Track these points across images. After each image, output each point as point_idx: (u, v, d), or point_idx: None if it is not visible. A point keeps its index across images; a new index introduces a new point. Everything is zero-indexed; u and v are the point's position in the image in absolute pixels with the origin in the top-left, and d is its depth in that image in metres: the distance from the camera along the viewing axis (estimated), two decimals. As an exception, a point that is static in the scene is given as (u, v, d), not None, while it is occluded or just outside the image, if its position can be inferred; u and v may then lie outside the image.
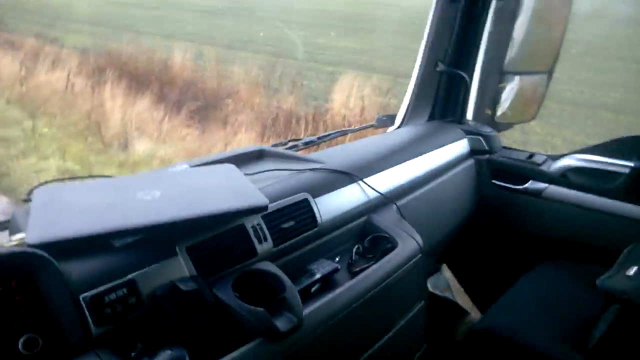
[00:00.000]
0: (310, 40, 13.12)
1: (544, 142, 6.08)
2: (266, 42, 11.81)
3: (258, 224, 1.04)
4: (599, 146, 1.70)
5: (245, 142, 5.53)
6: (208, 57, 8.49)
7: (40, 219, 0.86)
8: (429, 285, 1.69)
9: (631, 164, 1.57)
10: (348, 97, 6.52)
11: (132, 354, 0.78)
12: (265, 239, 1.05)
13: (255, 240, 1.02)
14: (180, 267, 0.90)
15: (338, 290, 1.06)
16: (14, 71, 7.51)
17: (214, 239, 0.97)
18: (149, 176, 1.12)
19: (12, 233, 0.95)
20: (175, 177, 1.11)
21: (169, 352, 0.81)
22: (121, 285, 0.82)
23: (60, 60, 8.29)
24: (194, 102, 7.03)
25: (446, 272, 1.76)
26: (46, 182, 1.04)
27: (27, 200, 0.96)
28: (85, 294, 0.78)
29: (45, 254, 0.77)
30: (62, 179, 1.24)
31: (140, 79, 7.75)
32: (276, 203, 1.11)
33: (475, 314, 1.70)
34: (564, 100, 7.57)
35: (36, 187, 0.99)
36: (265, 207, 1.00)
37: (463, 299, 1.73)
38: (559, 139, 6.30)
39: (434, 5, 1.71)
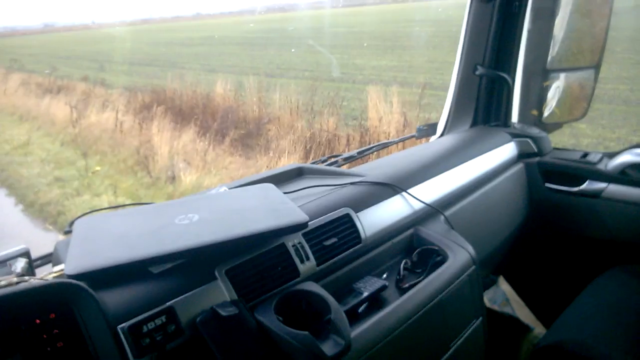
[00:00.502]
0: (347, 61, 13.23)
1: (597, 145, 5.80)
2: (305, 67, 11.98)
3: (299, 243, 1.00)
4: None
5: (288, 166, 5.53)
6: (249, 86, 8.67)
7: (80, 249, 0.85)
8: (486, 301, 1.58)
9: None
10: (390, 113, 6.46)
11: None
12: (308, 258, 1.00)
13: (297, 260, 0.98)
14: (220, 292, 0.87)
15: (387, 309, 1.00)
16: (67, 114, 7.91)
17: (254, 261, 0.94)
18: (188, 200, 1.10)
19: (54, 265, 0.95)
20: (213, 200, 1.09)
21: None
22: (160, 314, 0.79)
23: (109, 100, 8.70)
24: (237, 130, 7.17)
25: (503, 285, 1.65)
26: (87, 213, 1.04)
27: (69, 231, 0.96)
28: (123, 325, 0.75)
29: (83, 284, 0.76)
30: (104, 209, 1.24)
31: (185, 112, 8.00)
32: (317, 220, 1.07)
33: (539, 329, 1.58)
34: (613, 99, 7.25)
35: (77, 218, 0.99)
36: (305, 224, 0.95)
37: (524, 313, 1.60)
38: (612, 140, 6.00)
39: (467, 7, 1.65)
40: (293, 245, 0.99)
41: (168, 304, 0.80)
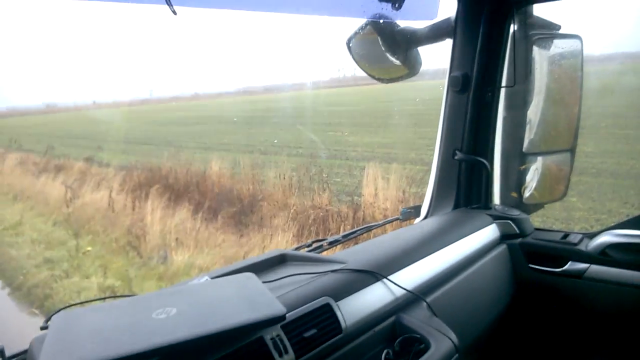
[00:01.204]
0: (341, 139, 13.54)
1: (588, 218, 5.84)
2: (299, 145, 12.24)
3: (277, 335, 0.98)
4: (636, 220, 1.59)
5: (282, 244, 5.53)
6: (243, 164, 8.81)
7: (53, 347, 0.84)
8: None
9: None
10: (384, 189, 6.53)
11: None
12: (286, 351, 0.97)
13: (275, 353, 0.96)
14: None
15: None
16: (61, 194, 7.94)
17: (231, 356, 0.92)
18: (167, 292, 1.09)
19: (28, 364, 0.92)
20: (192, 292, 1.08)
21: None
22: None
23: (105, 179, 8.78)
24: (230, 208, 7.20)
25: None
26: (65, 307, 1.03)
27: (45, 327, 0.95)
28: None
29: None
30: (82, 302, 1.22)
31: (179, 191, 8.07)
32: (296, 311, 1.05)
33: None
34: (602, 172, 7.38)
35: (54, 313, 0.98)
36: (283, 317, 0.94)
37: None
38: (603, 212, 6.04)
39: (444, 97, 1.74)
40: (271, 338, 0.97)
41: None
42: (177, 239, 5.96)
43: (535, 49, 1.68)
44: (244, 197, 7.69)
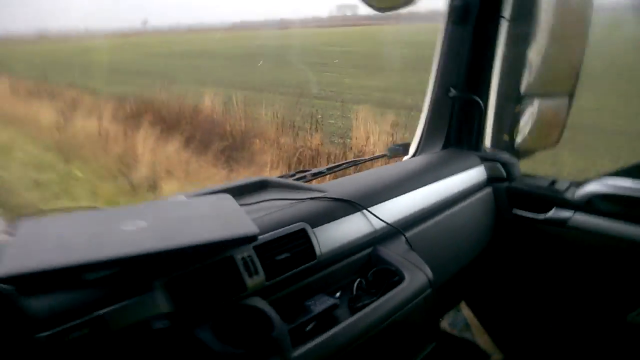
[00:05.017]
0: (337, 80, 13.29)
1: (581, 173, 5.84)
2: (293, 83, 12.01)
3: (249, 256, 0.96)
4: (629, 169, 1.58)
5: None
6: (236, 100, 8.67)
7: (15, 251, 0.82)
8: (446, 325, 1.56)
9: None
10: (377, 133, 6.48)
11: None
12: (257, 272, 0.96)
13: (245, 274, 0.94)
14: (156, 304, 0.83)
15: (335, 329, 0.97)
16: (53, 120, 7.83)
17: (197, 273, 0.90)
18: (140, 207, 1.06)
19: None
20: (166, 208, 1.05)
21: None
22: (87, 323, 0.75)
23: (98, 108, 8.64)
24: (222, 142, 7.15)
25: (465, 310, 1.63)
26: (33, 215, 1.00)
27: (11, 234, 0.92)
28: (43, 333, 0.71)
29: (6, 287, 0.72)
30: (51, 210, 1.20)
31: (172, 123, 7.97)
32: (270, 233, 1.04)
33: (497, 356, 1.56)
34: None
35: (21, 219, 0.95)
36: (255, 237, 0.92)
37: (484, 340, 1.58)
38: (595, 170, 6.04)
39: (442, 29, 1.66)
40: (242, 258, 0.95)
41: (97, 313, 0.76)
42: (167, 169, 5.94)
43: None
44: (236, 133, 7.62)
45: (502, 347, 1.60)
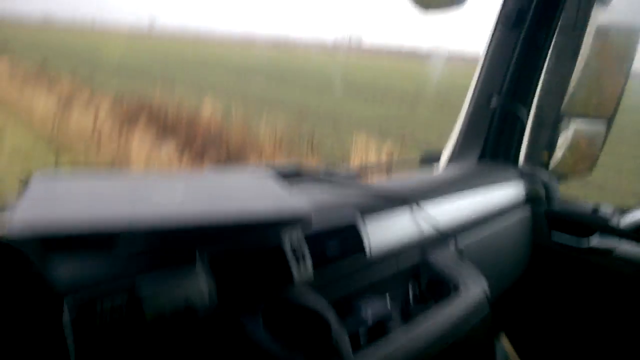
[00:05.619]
0: (337, 105, 13.39)
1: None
2: (296, 103, 12.05)
3: (298, 245, 0.86)
4: None
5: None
6: (236, 112, 8.62)
7: (33, 206, 0.67)
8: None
9: None
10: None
11: None
12: (305, 262, 0.86)
13: (293, 262, 0.84)
14: (197, 282, 0.72)
15: (394, 343, 0.86)
16: (48, 109, 7.69)
17: (243, 254, 0.79)
18: (173, 177, 0.92)
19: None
20: (200, 181, 0.91)
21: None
22: (120, 293, 0.63)
23: (95, 102, 8.51)
24: (217, 153, 7.06)
25: (505, 342, 1.50)
26: (48, 172, 0.83)
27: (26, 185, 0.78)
28: (73, 298, 0.60)
29: (29, 248, 0.62)
30: (69, 172, 1.00)
31: (169, 127, 7.87)
32: (321, 224, 0.93)
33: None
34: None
35: (34, 175, 0.80)
36: (309, 220, 0.80)
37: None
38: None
39: (491, 32, 1.59)
40: (290, 244, 0.85)
41: (131, 283, 0.65)
42: (159, 171, 5.82)
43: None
44: (232, 145, 7.55)
45: None
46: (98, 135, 6.93)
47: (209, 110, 8.57)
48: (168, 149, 6.75)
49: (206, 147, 7.26)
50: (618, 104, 1.72)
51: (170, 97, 9.38)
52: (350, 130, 9.27)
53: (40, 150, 6.60)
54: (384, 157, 6.38)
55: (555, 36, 1.59)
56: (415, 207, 1.15)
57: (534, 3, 1.54)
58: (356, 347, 0.81)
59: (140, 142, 6.67)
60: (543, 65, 1.61)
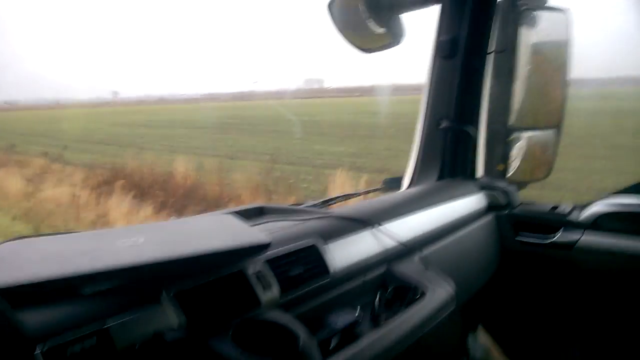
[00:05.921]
0: (307, 147, 13.57)
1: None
2: (264, 151, 12.17)
3: (261, 271, 0.90)
4: (631, 187, 1.62)
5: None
6: (210, 167, 8.70)
7: (1, 264, 0.74)
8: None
9: None
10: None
11: None
12: (270, 287, 0.90)
13: (258, 287, 0.87)
14: (166, 316, 0.75)
15: (363, 344, 0.90)
16: (21, 189, 7.65)
17: (208, 286, 0.82)
18: (134, 227, 0.97)
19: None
20: (164, 226, 0.99)
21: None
22: (90, 335, 0.67)
23: (67, 176, 8.51)
24: (195, 207, 7.10)
25: (482, 335, 1.60)
26: (15, 238, 0.88)
27: None
28: (41, 348, 0.62)
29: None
30: (35, 235, 1.06)
31: (145, 189, 7.89)
32: (281, 249, 0.98)
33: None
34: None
35: (4, 241, 0.86)
36: (267, 245, 0.85)
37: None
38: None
39: (430, 62, 1.73)
40: (254, 273, 0.89)
41: (100, 326, 0.69)
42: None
43: (522, 19, 1.70)
44: (210, 197, 7.60)
45: None
46: (75, 205, 6.93)
47: (182, 168, 8.64)
48: (147, 210, 6.79)
49: (184, 202, 7.30)
50: (562, 112, 1.86)
51: (142, 160, 9.43)
52: (323, 169, 9.45)
53: (17, 230, 6.54)
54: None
55: (490, 59, 1.74)
56: (377, 226, 1.21)
57: (466, 32, 1.69)
58: (326, 353, 0.85)
59: (118, 207, 6.69)
60: (483, 85, 1.76)
